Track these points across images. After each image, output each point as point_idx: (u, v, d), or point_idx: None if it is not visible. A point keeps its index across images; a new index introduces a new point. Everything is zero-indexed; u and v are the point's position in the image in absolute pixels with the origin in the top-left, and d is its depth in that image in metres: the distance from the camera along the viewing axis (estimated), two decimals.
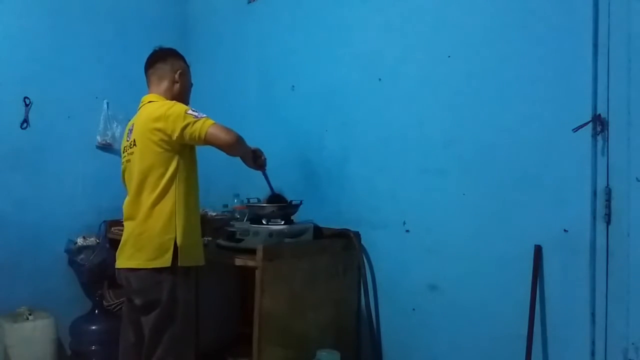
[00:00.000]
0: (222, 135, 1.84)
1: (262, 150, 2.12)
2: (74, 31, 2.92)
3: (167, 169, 1.87)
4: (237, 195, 2.72)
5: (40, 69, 2.80)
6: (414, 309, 2.15)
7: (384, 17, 2.27)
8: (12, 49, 2.71)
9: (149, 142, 1.87)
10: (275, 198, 2.27)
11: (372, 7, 2.32)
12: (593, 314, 1.66)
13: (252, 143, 2.05)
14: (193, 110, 1.88)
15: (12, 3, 2.72)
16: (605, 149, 1.64)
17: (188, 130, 1.82)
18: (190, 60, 2.15)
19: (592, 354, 1.66)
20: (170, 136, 1.84)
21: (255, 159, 2.08)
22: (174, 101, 1.95)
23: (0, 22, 2.68)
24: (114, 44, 3.06)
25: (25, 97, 2.75)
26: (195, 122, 1.83)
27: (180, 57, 2.11)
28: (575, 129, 1.68)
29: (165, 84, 2.04)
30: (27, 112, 2.75)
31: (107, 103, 3.01)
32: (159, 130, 1.85)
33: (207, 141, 1.84)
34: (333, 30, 2.49)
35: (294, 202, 2.28)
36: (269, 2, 2.85)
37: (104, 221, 2.92)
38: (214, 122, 1.85)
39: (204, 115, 1.87)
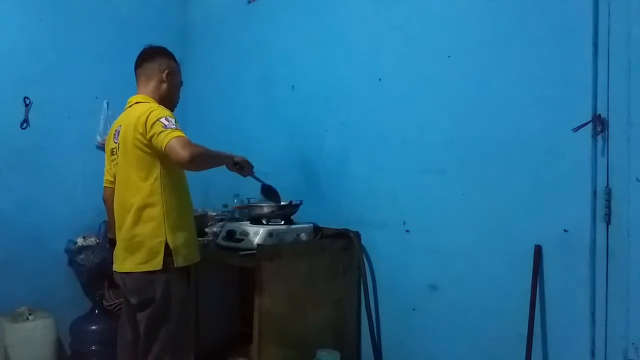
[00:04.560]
0: (178, 152, 1.70)
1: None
2: (74, 31, 2.92)
3: (150, 172, 1.85)
4: (237, 195, 2.72)
5: (40, 69, 2.80)
6: (414, 309, 2.15)
7: (384, 17, 2.27)
8: (12, 49, 2.71)
9: (131, 145, 1.86)
10: (267, 190, 2.24)
11: (372, 7, 2.31)
12: (593, 314, 1.66)
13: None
14: (167, 119, 1.78)
15: (12, 3, 2.72)
16: (605, 149, 1.64)
17: (154, 140, 1.78)
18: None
19: (592, 354, 1.66)
20: (149, 140, 1.81)
21: (238, 168, 2.04)
22: (157, 105, 1.90)
23: (0, 22, 2.68)
24: (114, 44, 3.06)
25: (25, 97, 2.75)
26: (161, 132, 1.75)
27: (169, 56, 2.06)
28: (575, 129, 1.68)
29: (152, 84, 2.00)
30: (27, 112, 2.75)
31: (107, 103, 3.01)
32: (139, 133, 1.83)
33: (167, 154, 1.75)
34: (333, 30, 2.48)
35: (294, 202, 2.28)
36: (269, 2, 2.85)
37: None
38: (179, 135, 1.74)
39: (174, 127, 1.77)
